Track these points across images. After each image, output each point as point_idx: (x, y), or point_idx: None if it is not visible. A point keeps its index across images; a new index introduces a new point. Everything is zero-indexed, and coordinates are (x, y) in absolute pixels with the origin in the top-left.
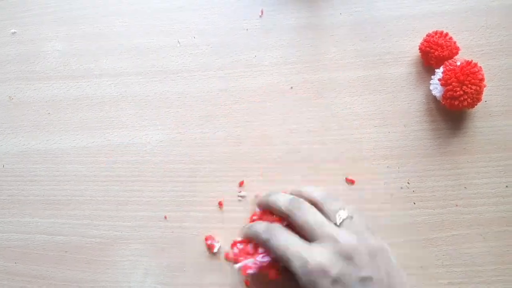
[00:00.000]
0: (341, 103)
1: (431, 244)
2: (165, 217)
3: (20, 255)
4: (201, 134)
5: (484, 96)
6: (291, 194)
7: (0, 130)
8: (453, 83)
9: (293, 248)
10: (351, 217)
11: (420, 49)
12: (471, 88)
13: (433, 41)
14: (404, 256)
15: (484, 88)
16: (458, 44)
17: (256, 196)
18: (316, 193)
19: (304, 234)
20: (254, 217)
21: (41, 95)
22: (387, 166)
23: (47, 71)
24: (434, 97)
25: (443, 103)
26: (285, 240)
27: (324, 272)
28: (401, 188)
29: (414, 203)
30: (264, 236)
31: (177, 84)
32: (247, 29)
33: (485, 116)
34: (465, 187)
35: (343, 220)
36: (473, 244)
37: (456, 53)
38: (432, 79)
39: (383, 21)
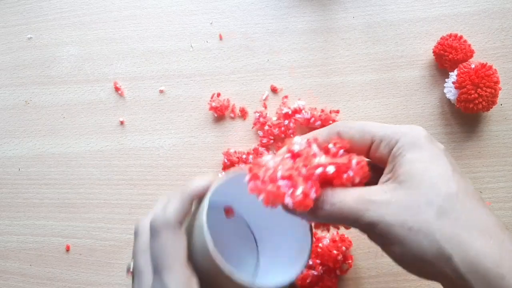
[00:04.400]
0: (354, 106)
1: None
2: None
3: (35, 258)
4: (214, 138)
5: (499, 99)
6: None
7: (16, 134)
8: (468, 86)
9: None
10: None
11: (434, 52)
12: (486, 91)
13: (447, 44)
14: None
15: (499, 91)
16: (472, 47)
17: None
18: None
19: None
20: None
21: (56, 99)
22: None
23: (62, 75)
24: (449, 100)
25: (457, 106)
26: None
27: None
28: None
29: None
30: None
31: (190, 88)
32: (259, 33)
33: (500, 119)
34: (480, 192)
35: None
36: None
37: (471, 56)
38: (446, 82)
39: (395, 24)
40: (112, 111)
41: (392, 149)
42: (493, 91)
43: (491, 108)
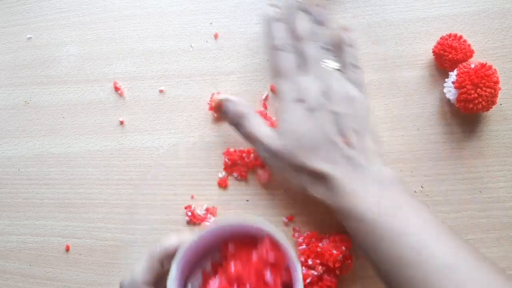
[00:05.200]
0: None
1: None
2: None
3: (35, 258)
4: (214, 138)
5: (499, 99)
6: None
7: (16, 134)
8: (468, 86)
9: (286, 74)
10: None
11: (433, 52)
12: (485, 91)
13: (447, 43)
14: None
15: (499, 91)
16: (472, 47)
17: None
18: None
19: (304, 65)
20: None
21: (56, 99)
22: (400, 170)
23: (62, 75)
24: (448, 100)
25: (457, 106)
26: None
27: (303, 100)
28: (415, 192)
29: (428, 207)
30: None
31: (190, 88)
32: (259, 33)
33: (500, 119)
34: (480, 191)
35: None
36: (489, 249)
37: (471, 56)
38: (446, 82)
39: (395, 24)
40: (112, 111)
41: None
42: (492, 91)
43: (491, 108)
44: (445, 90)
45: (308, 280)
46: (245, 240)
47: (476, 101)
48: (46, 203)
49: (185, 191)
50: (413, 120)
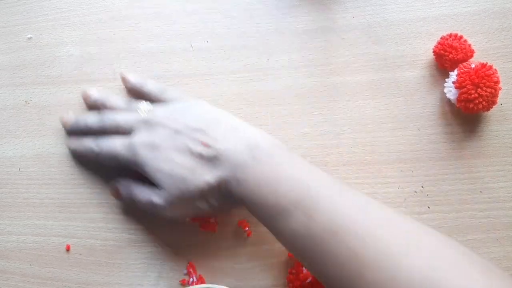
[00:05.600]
0: (354, 106)
1: None
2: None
3: (35, 257)
4: None
5: (499, 99)
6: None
7: (16, 134)
8: (468, 86)
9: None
10: (151, 109)
11: (434, 51)
12: (486, 91)
13: (447, 43)
14: None
15: (500, 91)
16: (472, 47)
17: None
18: (118, 101)
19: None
20: None
21: (57, 99)
22: (401, 170)
23: (62, 75)
24: (449, 100)
25: (457, 106)
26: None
27: (149, 146)
28: (415, 192)
29: (429, 207)
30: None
31: (190, 88)
32: (259, 33)
33: (500, 119)
34: (480, 191)
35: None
36: (489, 249)
37: (471, 56)
38: (446, 82)
39: (395, 24)
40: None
41: None
42: (493, 91)
43: (491, 108)
44: (445, 90)
45: (308, 280)
46: None
47: (477, 101)
48: (46, 203)
49: None
50: (414, 120)
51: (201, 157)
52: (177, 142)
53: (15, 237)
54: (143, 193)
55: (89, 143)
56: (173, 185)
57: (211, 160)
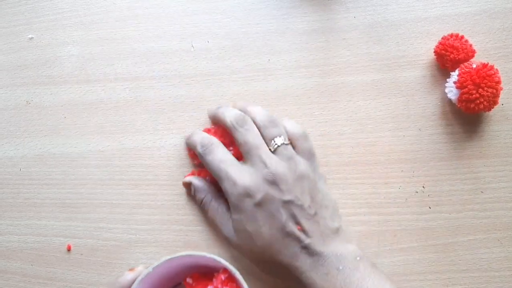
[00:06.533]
0: (355, 106)
1: (447, 249)
2: (179, 221)
3: (36, 258)
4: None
5: (500, 99)
6: (240, 109)
7: (17, 134)
8: (469, 86)
9: (225, 167)
10: (286, 144)
11: (435, 52)
12: (487, 91)
13: (449, 43)
14: (419, 261)
15: (501, 91)
16: (474, 47)
17: (208, 110)
18: (258, 116)
19: (242, 152)
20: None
21: (58, 100)
22: (402, 170)
23: (63, 75)
24: (450, 100)
25: (458, 106)
26: (219, 158)
27: (249, 195)
28: (416, 192)
29: (430, 208)
30: (201, 149)
31: (191, 89)
32: (260, 33)
33: (502, 119)
34: (481, 191)
35: (278, 147)
36: (490, 249)
37: (472, 56)
38: (447, 82)
39: (396, 24)
40: (113, 111)
41: None
42: (494, 91)
43: (493, 108)
44: (446, 90)
45: None
46: (204, 274)
47: (478, 101)
48: (47, 203)
49: (186, 191)
50: (415, 120)
51: (289, 235)
52: (285, 208)
53: (16, 237)
54: (218, 217)
55: (197, 138)
56: (245, 241)
57: (307, 249)
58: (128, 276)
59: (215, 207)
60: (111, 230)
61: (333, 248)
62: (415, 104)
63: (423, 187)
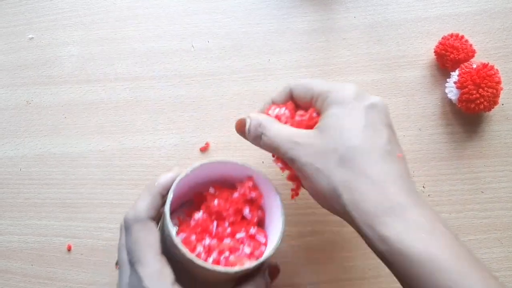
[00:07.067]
0: None
1: None
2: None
3: (36, 257)
4: (215, 138)
5: (500, 99)
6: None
7: (18, 134)
8: (469, 86)
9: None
10: None
11: (435, 52)
12: (487, 91)
13: (449, 43)
14: None
15: (501, 91)
16: (474, 47)
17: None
18: None
19: None
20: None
21: (58, 99)
22: None
23: (64, 75)
24: (450, 100)
25: (459, 106)
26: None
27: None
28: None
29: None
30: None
31: (191, 88)
32: (260, 33)
33: (502, 119)
34: (482, 192)
35: None
36: (490, 249)
37: (472, 56)
38: (447, 82)
39: (396, 24)
40: (113, 111)
41: (323, 104)
42: (494, 91)
43: (493, 108)
44: (446, 90)
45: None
46: (224, 185)
47: (478, 101)
48: (47, 203)
49: None
50: (415, 120)
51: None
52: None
53: (16, 237)
54: (279, 137)
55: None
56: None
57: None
58: (168, 175)
59: (275, 124)
60: (111, 230)
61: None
62: (415, 104)
63: (423, 187)
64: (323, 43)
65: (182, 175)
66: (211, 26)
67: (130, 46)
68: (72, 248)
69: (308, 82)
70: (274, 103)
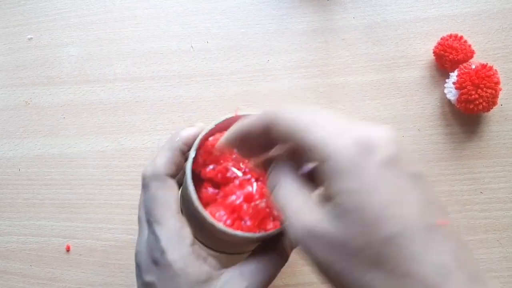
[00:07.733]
0: (354, 107)
1: None
2: None
3: (35, 258)
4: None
5: (499, 100)
6: None
7: (16, 134)
8: (468, 87)
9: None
10: None
11: (434, 52)
12: (486, 92)
13: (448, 44)
14: None
15: (500, 92)
16: (473, 47)
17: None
18: None
19: None
20: None
21: (57, 100)
22: None
23: (63, 76)
24: (449, 100)
25: (458, 106)
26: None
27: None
28: None
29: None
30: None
31: (190, 89)
32: (259, 34)
33: (501, 119)
34: (481, 192)
35: None
36: (489, 250)
37: (471, 57)
38: (446, 82)
39: (395, 25)
40: (112, 112)
41: (324, 167)
42: (493, 91)
43: (492, 108)
44: (445, 91)
45: None
46: None
47: (477, 102)
48: (46, 203)
49: None
50: (414, 121)
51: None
52: None
53: (15, 237)
54: (288, 209)
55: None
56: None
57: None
58: (191, 130)
59: (289, 184)
60: (110, 230)
61: None
62: (414, 104)
63: None
64: (322, 43)
65: (206, 129)
66: (210, 26)
67: (129, 46)
68: (71, 249)
69: (295, 120)
70: (235, 138)
